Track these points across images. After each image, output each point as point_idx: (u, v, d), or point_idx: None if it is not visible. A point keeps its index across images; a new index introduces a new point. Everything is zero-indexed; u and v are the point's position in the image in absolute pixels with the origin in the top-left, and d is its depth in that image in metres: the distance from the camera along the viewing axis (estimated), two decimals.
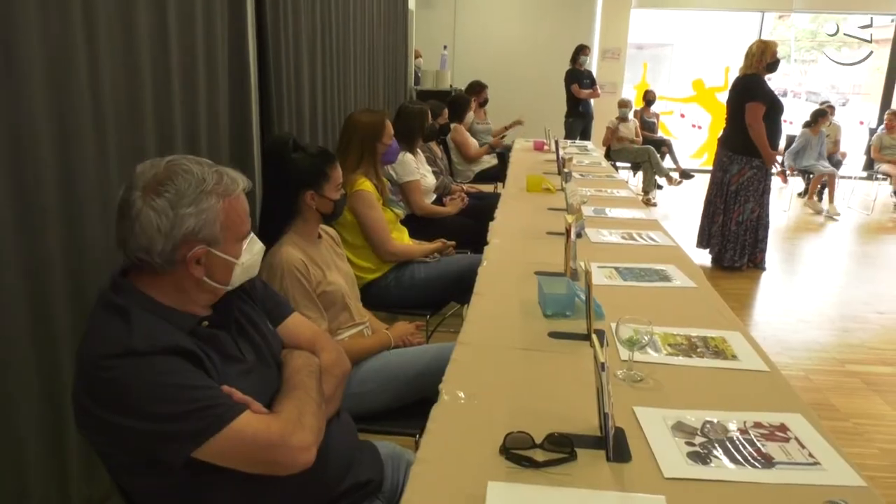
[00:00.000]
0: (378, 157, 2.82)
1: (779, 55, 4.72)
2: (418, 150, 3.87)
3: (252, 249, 1.26)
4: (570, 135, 7.70)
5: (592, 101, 7.86)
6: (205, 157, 1.22)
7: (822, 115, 7.65)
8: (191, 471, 1.10)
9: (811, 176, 7.67)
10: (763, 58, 4.63)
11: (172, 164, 1.16)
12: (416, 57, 8.21)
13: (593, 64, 9.15)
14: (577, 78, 7.69)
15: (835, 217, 7.16)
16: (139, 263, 1.15)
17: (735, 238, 4.97)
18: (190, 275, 1.17)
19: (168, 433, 1.05)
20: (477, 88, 6.62)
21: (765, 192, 4.88)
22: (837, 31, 9.81)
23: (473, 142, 5.79)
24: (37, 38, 1.48)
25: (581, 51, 7.68)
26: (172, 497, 1.16)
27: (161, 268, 1.15)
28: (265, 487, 1.17)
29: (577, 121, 7.76)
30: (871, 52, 9.58)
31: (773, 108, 4.68)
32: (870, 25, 9.40)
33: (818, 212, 7.36)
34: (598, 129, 8.21)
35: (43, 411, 1.58)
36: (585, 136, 7.85)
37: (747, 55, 4.72)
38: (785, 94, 12.29)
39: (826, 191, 7.96)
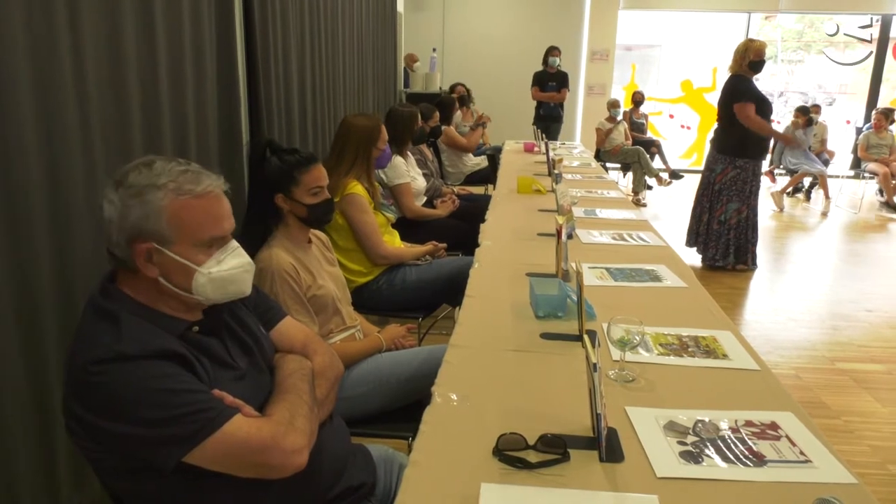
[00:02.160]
0: (372, 161, 2.81)
1: (766, 56, 4.70)
2: (408, 153, 3.87)
3: (228, 262, 1.20)
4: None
5: (562, 104, 7.72)
6: (194, 162, 1.21)
7: (804, 112, 7.71)
8: (182, 475, 1.09)
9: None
10: (746, 56, 4.63)
11: (143, 161, 1.17)
12: (413, 61, 8.20)
13: (581, 65, 9.19)
14: (539, 80, 7.65)
15: (825, 214, 7.29)
16: (115, 261, 1.16)
17: (717, 237, 4.97)
18: (144, 273, 1.15)
19: (159, 438, 1.04)
20: (453, 88, 6.68)
21: (752, 192, 4.87)
22: (837, 31, 9.86)
23: (462, 138, 5.80)
24: (22, 40, 1.47)
25: (550, 52, 7.57)
26: (164, 502, 1.15)
27: (125, 264, 1.15)
28: (258, 491, 1.16)
29: (538, 123, 7.59)
30: (871, 53, 9.63)
31: (761, 108, 4.67)
32: (870, 25, 9.46)
33: (780, 208, 7.45)
34: (586, 131, 8.22)
35: (32, 418, 1.57)
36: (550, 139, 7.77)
37: (734, 55, 4.72)
38: (773, 95, 12.36)
39: (812, 190, 8.04)
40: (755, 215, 4.96)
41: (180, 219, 1.14)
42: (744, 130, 4.71)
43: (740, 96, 4.63)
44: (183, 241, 1.15)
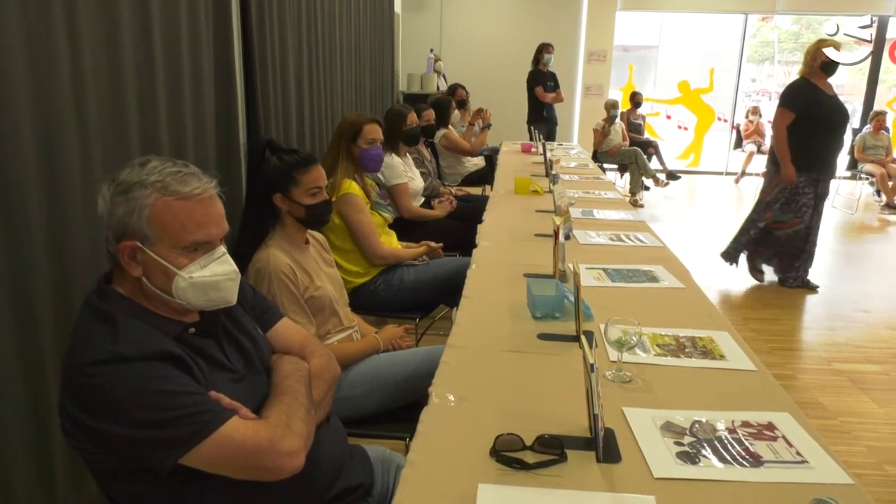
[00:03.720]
0: (355, 158, 2.80)
1: (832, 55, 4.23)
2: (406, 154, 3.86)
3: (212, 269, 1.18)
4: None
5: (555, 105, 7.39)
6: (192, 163, 1.21)
7: None
8: (179, 477, 1.09)
9: None
10: (817, 58, 4.23)
11: (140, 160, 1.17)
12: (436, 60, 8.18)
13: (578, 66, 9.19)
14: (541, 80, 7.19)
15: None
16: (109, 258, 1.17)
17: (767, 244, 4.55)
18: (129, 272, 1.15)
19: (155, 440, 1.04)
20: (453, 89, 6.65)
21: (806, 206, 4.37)
22: (837, 30, 9.88)
23: (465, 143, 5.81)
24: (18, 42, 1.47)
25: (545, 49, 7.17)
26: (160, 503, 1.15)
27: (114, 261, 1.16)
28: (254, 493, 1.16)
29: (541, 126, 7.12)
30: (871, 53, 9.64)
31: (809, 118, 4.20)
32: (870, 25, 9.46)
33: None
34: (583, 132, 8.19)
35: (28, 419, 1.57)
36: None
37: (804, 56, 4.32)
38: (771, 97, 12.35)
39: None
40: (811, 232, 4.45)
41: (163, 219, 1.13)
42: (791, 139, 4.27)
43: (783, 102, 4.28)
44: (164, 243, 1.14)
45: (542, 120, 7.29)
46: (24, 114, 1.50)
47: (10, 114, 1.45)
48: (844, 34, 9.76)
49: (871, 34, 9.42)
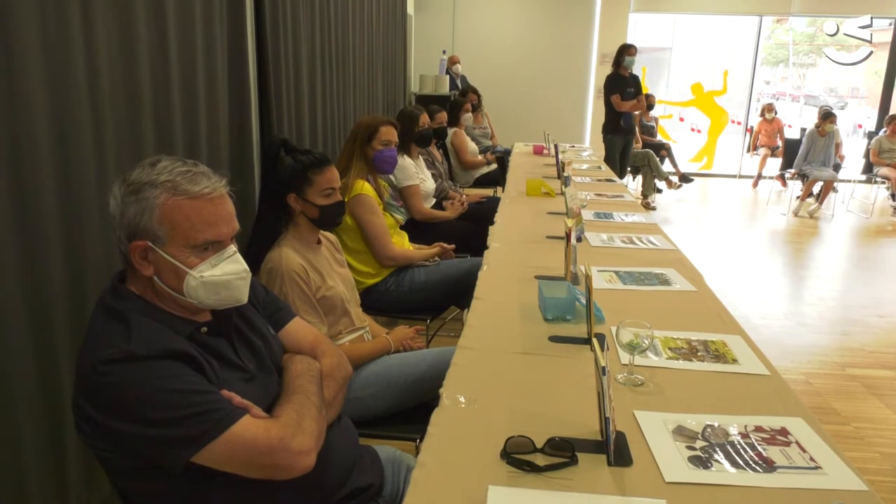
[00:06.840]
0: (369, 159, 2.80)
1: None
2: (417, 155, 3.87)
3: (223, 268, 1.18)
4: (609, 155, 6.47)
5: (635, 113, 6.66)
6: (204, 164, 1.21)
7: (828, 116, 7.60)
8: (191, 475, 1.09)
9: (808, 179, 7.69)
10: None
11: (150, 160, 1.18)
12: (454, 63, 8.19)
13: (591, 68, 9.15)
14: (619, 86, 6.33)
15: (814, 216, 7.22)
16: (122, 258, 1.17)
17: None
18: (140, 271, 1.15)
19: (167, 438, 1.05)
20: (465, 93, 6.65)
21: None
22: (837, 31, 9.81)
23: (472, 147, 5.82)
24: (36, 44, 1.49)
25: (626, 51, 6.30)
26: (172, 501, 1.16)
27: (126, 261, 1.16)
28: (265, 492, 1.16)
29: (617, 138, 6.52)
30: (871, 52, 9.56)
31: None
32: (869, 25, 9.40)
33: (794, 213, 7.39)
34: (595, 133, 8.17)
35: (42, 417, 1.58)
36: (625, 155, 6.64)
37: None
38: (778, 98, 12.26)
39: (828, 195, 7.98)
40: None
41: (173, 219, 1.13)
42: None
43: None
44: (175, 242, 1.14)
45: (619, 131, 6.54)
46: (40, 113, 1.51)
47: (27, 115, 1.47)
48: (844, 34, 9.69)
49: (872, 34, 9.33)
